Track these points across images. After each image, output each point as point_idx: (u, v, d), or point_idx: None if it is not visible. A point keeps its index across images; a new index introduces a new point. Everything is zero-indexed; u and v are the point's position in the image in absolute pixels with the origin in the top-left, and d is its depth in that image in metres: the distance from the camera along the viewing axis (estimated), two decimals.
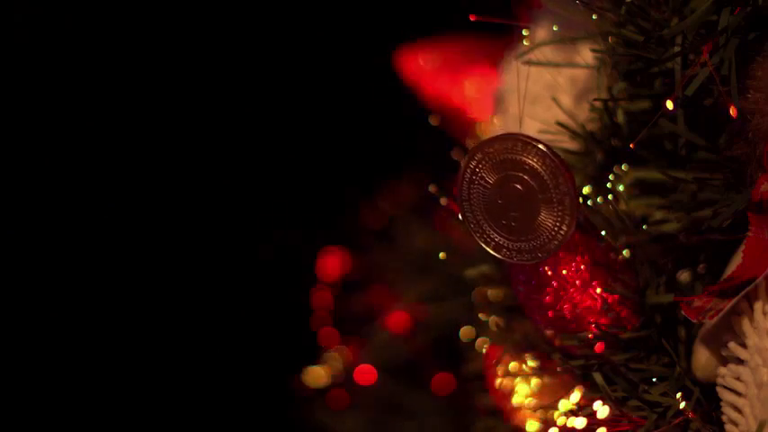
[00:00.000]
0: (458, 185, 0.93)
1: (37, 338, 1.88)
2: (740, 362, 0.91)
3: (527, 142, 0.90)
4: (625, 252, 1.00)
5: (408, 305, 1.48)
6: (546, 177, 0.90)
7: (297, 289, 1.61)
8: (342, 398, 1.52)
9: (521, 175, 0.91)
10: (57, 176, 1.90)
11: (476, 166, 0.92)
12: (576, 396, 0.99)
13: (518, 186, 0.91)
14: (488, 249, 0.94)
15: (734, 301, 0.89)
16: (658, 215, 1.00)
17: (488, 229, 0.93)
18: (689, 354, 0.98)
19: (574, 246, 0.98)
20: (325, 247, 1.61)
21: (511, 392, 1.10)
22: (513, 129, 0.93)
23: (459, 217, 0.95)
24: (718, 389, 0.93)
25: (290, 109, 1.88)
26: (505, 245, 0.93)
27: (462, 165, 0.93)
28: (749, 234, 0.92)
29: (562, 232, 0.91)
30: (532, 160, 0.90)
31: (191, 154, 1.90)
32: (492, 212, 0.93)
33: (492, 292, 1.09)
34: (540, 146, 0.90)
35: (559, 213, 0.91)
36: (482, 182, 0.92)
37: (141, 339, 1.87)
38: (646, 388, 0.96)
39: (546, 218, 0.91)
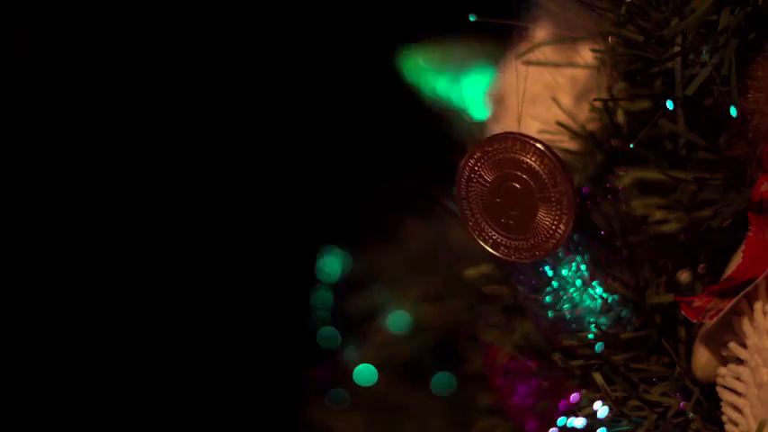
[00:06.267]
0: (456, 184, 0.93)
1: (41, 339, 1.88)
2: (740, 362, 0.91)
3: (525, 141, 0.90)
4: (625, 252, 1.00)
5: (408, 305, 1.49)
6: (544, 176, 0.90)
7: (297, 289, 1.61)
8: (341, 398, 1.52)
9: (519, 174, 0.91)
10: (57, 176, 1.90)
11: (474, 165, 0.93)
12: (575, 396, 0.99)
13: (516, 185, 0.92)
14: (486, 247, 0.94)
15: (734, 301, 0.89)
16: (658, 215, 1.00)
17: (487, 227, 0.93)
18: (689, 354, 0.98)
19: (574, 246, 0.98)
20: (326, 247, 1.61)
21: (511, 392, 1.10)
22: (513, 129, 0.93)
23: (458, 215, 0.95)
24: (718, 389, 0.93)
25: (289, 108, 1.88)
26: (504, 243, 0.93)
27: (461, 163, 0.93)
28: (749, 234, 0.92)
29: (560, 231, 0.91)
30: (531, 159, 0.91)
31: (191, 154, 1.90)
32: (490, 211, 0.93)
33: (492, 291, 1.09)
34: (539, 145, 0.90)
35: (557, 213, 0.91)
36: (480, 180, 0.93)
37: (140, 338, 1.87)
38: (646, 388, 0.96)
39: (544, 217, 0.91)
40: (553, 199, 0.91)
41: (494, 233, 0.93)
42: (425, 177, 1.19)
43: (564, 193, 0.90)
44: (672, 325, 0.99)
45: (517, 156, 0.91)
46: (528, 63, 1.03)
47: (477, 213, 0.93)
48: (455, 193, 0.94)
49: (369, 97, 1.75)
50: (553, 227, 0.91)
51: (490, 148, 0.92)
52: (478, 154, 0.92)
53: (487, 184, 0.93)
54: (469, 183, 0.93)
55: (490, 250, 0.94)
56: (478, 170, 0.93)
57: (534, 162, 0.90)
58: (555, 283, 0.99)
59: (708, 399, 0.96)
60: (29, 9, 1.84)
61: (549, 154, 0.90)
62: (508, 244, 0.93)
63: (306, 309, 1.59)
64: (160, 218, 1.89)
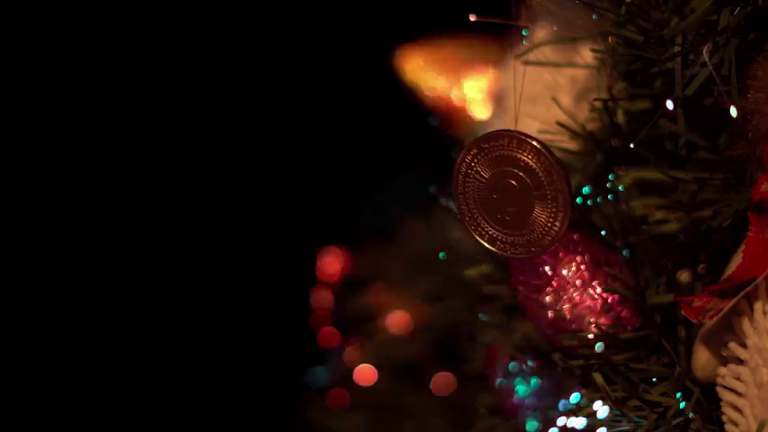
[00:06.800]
0: (453, 180, 0.94)
1: (41, 340, 1.88)
2: (740, 362, 0.91)
3: (522, 139, 0.91)
4: (625, 252, 1.00)
5: (408, 305, 1.49)
6: (540, 174, 0.91)
7: (297, 289, 1.61)
8: (342, 398, 1.52)
9: (516, 171, 0.92)
10: (57, 176, 1.90)
11: (471, 161, 0.93)
12: (575, 396, 0.99)
13: (513, 182, 0.92)
14: (482, 242, 0.94)
15: (734, 301, 0.89)
16: (658, 215, 1.00)
17: (483, 222, 0.94)
18: (689, 354, 0.98)
19: (574, 246, 0.98)
20: (326, 247, 1.61)
21: (511, 392, 1.10)
22: (511, 127, 0.93)
23: (455, 210, 0.95)
24: (718, 389, 0.93)
25: (290, 109, 1.89)
26: (499, 238, 0.94)
27: (458, 159, 0.93)
28: (749, 234, 0.92)
29: (555, 228, 0.91)
30: (527, 157, 0.91)
31: (191, 154, 1.90)
32: (487, 207, 0.93)
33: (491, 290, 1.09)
34: (535, 143, 0.90)
35: (553, 210, 0.91)
36: (477, 176, 0.93)
37: (141, 338, 1.87)
38: (646, 388, 0.96)
39: (540, 214, 0.91)
40: (549, 196, 0.91)
41: (490, 228, 0.94)
42: (425, 177, 1.19)
43: (560, 191, 0.90)
44: (672, 325, 0.99)
45: (514, 153, 0.91)
46: (527, 63, 1.03)
47: (474, 209, 0.94)
48: (452, 188, 0.94)
49: (369, 97, 1.75)
50: (549, 224, 0.91)
51: (487, 145, 0.92)
52: (475, 150, 0.92)
53: (484, 181, 0.93)
54: (466, 179, 0.93)
55: (486, 245, 0.94)
56: (475, 166, 0.93)
57: (531, 159, 0.91)
58: (555, 283, 0.99)
59: (708, 399, 0.96)
60: (29, 9, 1.85)
61: (545, 152, 0.90)
62: (504, 239, 0.93)
63: (306, 309, 1.59)
64: (160, 218, 1.90)
